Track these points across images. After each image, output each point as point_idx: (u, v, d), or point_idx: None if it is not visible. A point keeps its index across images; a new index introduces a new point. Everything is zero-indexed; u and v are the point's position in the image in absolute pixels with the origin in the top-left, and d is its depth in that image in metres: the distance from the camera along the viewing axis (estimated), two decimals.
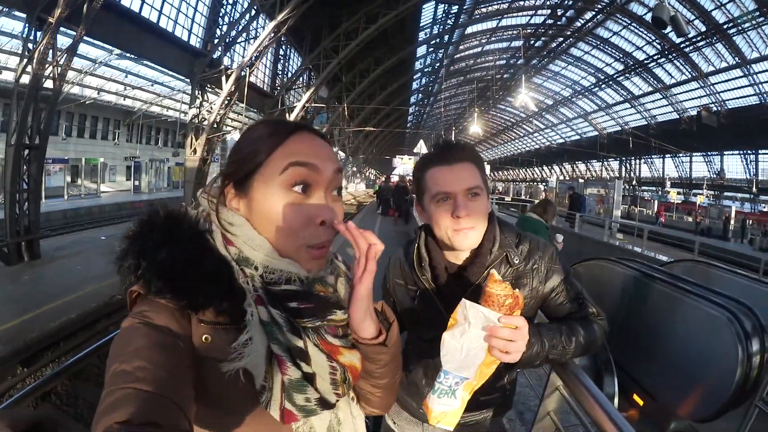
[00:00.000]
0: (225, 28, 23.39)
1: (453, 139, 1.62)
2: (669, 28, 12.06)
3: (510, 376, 1.83)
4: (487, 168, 73.83)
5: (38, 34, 12.30)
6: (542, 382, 3.65)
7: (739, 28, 32.94)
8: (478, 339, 1.25)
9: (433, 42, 38.04)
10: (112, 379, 0.72)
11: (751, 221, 32.35)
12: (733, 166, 48.52)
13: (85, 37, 14.02)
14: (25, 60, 12.36)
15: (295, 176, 0.94)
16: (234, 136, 45.71)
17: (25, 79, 12.51)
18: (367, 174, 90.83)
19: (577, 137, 67.48)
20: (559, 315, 1.73)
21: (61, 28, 12.65)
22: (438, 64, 46.02)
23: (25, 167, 13.22)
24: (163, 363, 0.76)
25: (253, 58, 21.56)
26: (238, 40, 23.36)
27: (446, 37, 38.23)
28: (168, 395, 0.72)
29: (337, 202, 1.02)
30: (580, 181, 41.88)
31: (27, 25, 12.39)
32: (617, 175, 61.06)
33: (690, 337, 4.41)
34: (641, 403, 4.69)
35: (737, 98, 39.84)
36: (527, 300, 1.63)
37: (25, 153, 13.07)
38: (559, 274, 1.70)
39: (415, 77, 47.20)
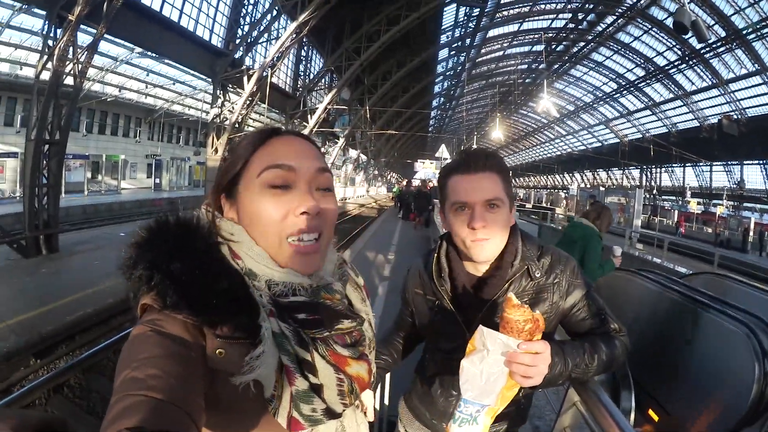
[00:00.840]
0: (246, 28, 23.49)
1: (479, 147, 1.53)
2: (690, 33, 11.87)
3: (526, 390, 1.75)
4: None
5: (58, 31, 12.42)
6: (559, 396, 3.64)
7: (758, 33, 32.62)
8: (498, 364, 1.23)
9: (454, 45, 37.83)
10: (123, 386, 0.71)
11: None
12: (753, 176, 48.03)
13: (106, 35, 14.19)
14: (45, 57, 12.49)
15: (271, 177, 0.94)
16: None
17: (45, 75, 12.63)
18: (389, 177, 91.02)
19: (599, 144, 67.28)
20: (581, 331, 1.69)
21: (82, 26, 12.77)
22: (460, 68, 45.88)
23: (44, 162, 13.33)
24: (175, 372, 0.75)
25: (275, 59, 21.72)
26: (260, 41, 23.52)
27: (468, 40, 37.96)
28: (179, 404, 0.71)
29: (325, 198, 1.00)
30: (601, 189, 41.55)
31: (47, 22, 12.52)
32: (638, 184, 60.71)
33: (707, 353, 4.27)
34: (656, 418, 4.49)
35: (757, 106, 39.50)
36: (548, 315, 1.60)
37: (45, 148, 13.19)
38: (581, 289, 1.66)
39: (437, 80, 47.56)
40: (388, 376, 2.53)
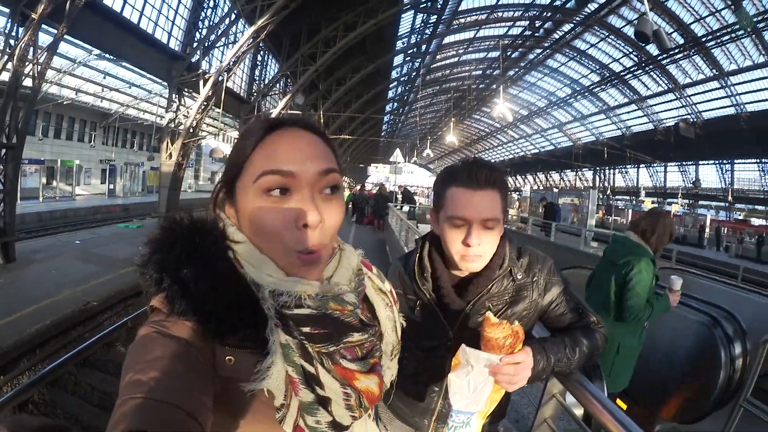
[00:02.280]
0: (205, 31, 23.23)
1: (481, 159, 1.67)
2: (651, 43, 12.32)
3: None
4: None
5: (20, 30, 12.07)
6: (534, 389, 3.71)
7: (718, 41, 33.64)
8: (484, 374, 1.34)
9: (410, 51, 38.17)
10: (126, 389, 0.71)
11: (726, 229, 33.11)
12: (708, 175, 49.44)
13: (67, 36, 13.80)
14: (6, 57, 12.09)
15: (269, 184, 0.88)
16: (209, 142, 45.53)
17: (4, 76, 12.22)
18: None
19: (552, 147, 68.06)
20: (560, 326, 1.79)
21: (43, 26, 12.41)
22: (414, 73, 46.02)
23: (1, 167, 12.87)
24: (179, 373, 0.75)
25: (231, 63, 21.41)
26: (217, 45, 23.23)
27: (423, 47, 38.36)
28: (181, 405, 0.71)
29: (329, 202, 0.93)
30: (555, 190, 42.19)
31: (10, 20, 12.09)
32: (591, 185, 61.99)
33: (673, 343, 4.61)
34: (624, 407, 4.58)
35: (713, 109, 40.83)
36: (527, 312, 1.72)
37: (2, 153, 12.74)
38: (558, 286, 1.76)
39: (391, 86, 47.21)
40: None
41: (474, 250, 1.56)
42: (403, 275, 1.84)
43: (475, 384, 1.34)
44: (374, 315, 1.09)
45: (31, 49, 12.39)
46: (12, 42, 12.11)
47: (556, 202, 24.82)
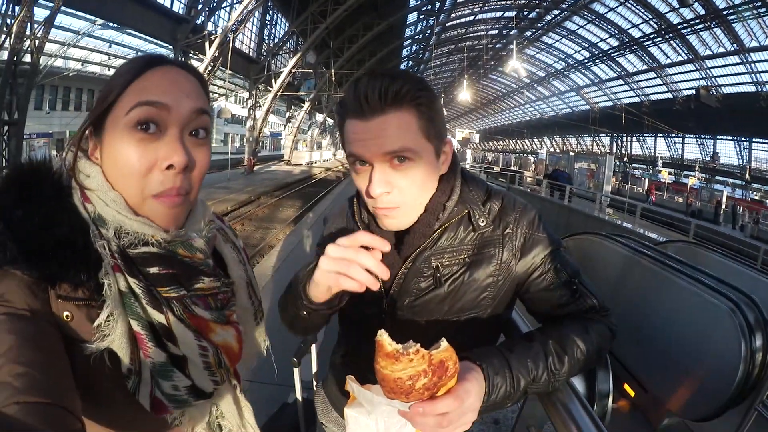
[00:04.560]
0: None
1: (382, 72, 0.93)
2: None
3: None
4: (476, 137, 73.98)
5: (16, 9, 12.05)
6: None
7: (739, 16, 32.83)
8: (395, 413, 0.86)
9: (424, 9, 37.66)
10: None
11: (741, 208, 32.43)
12: (726, 150, 48.68)
13: (66, 8, 13.90)
14: (3, 36, 12.17)
15: (140, 115, 0.80)
16: (219, 104, 45.45)
17: (3, 55, 12.44)
18: None
19: (569, 110, 67.63)
20: (544, 308, 1.23)
21: (40, 0, 12.42)
22: (429, 32, 45.82)
23: (4, 144, 13.10)
24: (36, 361, 0.66)
25: (237, 23, 21.28)
26: (223, 5, 23.13)
27: (437, 4, 37.83)
28: (52, 400, 0.63)
29: (199, 147, 0.86)
30: (571, 154, 41.81)
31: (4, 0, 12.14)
32: (608, 151, 61.30)
33: (687, 326, 4.13)
34: (632, 393, 4.43)
35: (733, 84, 39.95)
36: (494, 280, 1.18)
37: (3, 129, 12.95)
38: (544, 246, 1.20)
39: (405, 44, 47.42)
40: (314, 349, 2.20)
41: (383, 202, 1.08)
42: (348, 219, 1.35)
43: (387, 424, 0.89)
44: (226, 273, 0.99)
45: (28, 24, 12.36)
46: (9, 21, 12.14)
47: (563, 170, 24.18)
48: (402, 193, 1.08)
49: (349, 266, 0.92)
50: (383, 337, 0.79)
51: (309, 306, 1.08)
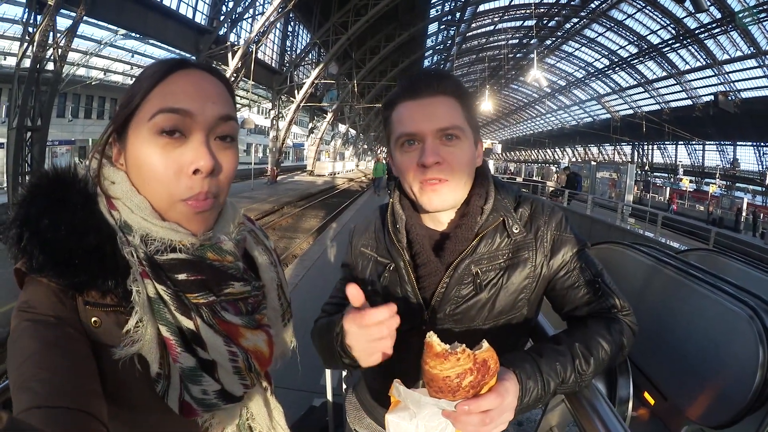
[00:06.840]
0: (231, 4, 23.14)
1: (429, 69, 1.18)
2: (688, 3, 11.64)
3: None
4: (498, 148, 73.88)
5: (38, 18, 12.30)
6: None
7: (754, 18, 32.43)
8: (437, 416, 0.91)
9: (444, 19, 37.59)
10: (15, 400, 0.63)
11: (763, 215, 31.99)
12: (745, 157, 48.07)
13: (88, 18, 14.08)
14: (26, 44, 12.42)
15: (164, 123, 0.80)
16: (242, 114, 45.98)
17: (27, 63, 12.61)
18: (378, 151, 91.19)
19: (590, 119, 67.16)
20: (569, 306, 1.29)
21: (63, 10, 12.68)
22: (450, 42, 45.87)
23: (27, 150, 13.32)
24: (60, 366, 0.67)
25: (260, 34, 21.47)
26: (245, 16, 23.33)
27: (458, 14, 37.74)
28: (76, 405, 0.64)
29: (225, 151, 0.87)
30: (593, 163, 41.62)
31: (27, 9, 12.41)
32: (629, 160, 60.74)
33: (707, 334, 4.11)
34: (652, 402, 4.39)
35: (752, 88, 39.46)
36: (530, 283, 1.25)
37: (27, 136, 13.16)
38: (572, 246, 1.28)
39: (426, 54, 47.49)
40: None
41: (433, 172, 1.18)
42: (378, 231, 1.43)
43: (427, 428, 0.91)
44: (257, 275, 1.00)
45: (51, 34, 12.63)
46: (31, 30, 12.39)
47: (579, 173, 24.67)
48: (451, 168, 1.19)
49: (381, 342, 1.00)
50: (433, 338, 0.87)
51: (353, 365, 1.12)
